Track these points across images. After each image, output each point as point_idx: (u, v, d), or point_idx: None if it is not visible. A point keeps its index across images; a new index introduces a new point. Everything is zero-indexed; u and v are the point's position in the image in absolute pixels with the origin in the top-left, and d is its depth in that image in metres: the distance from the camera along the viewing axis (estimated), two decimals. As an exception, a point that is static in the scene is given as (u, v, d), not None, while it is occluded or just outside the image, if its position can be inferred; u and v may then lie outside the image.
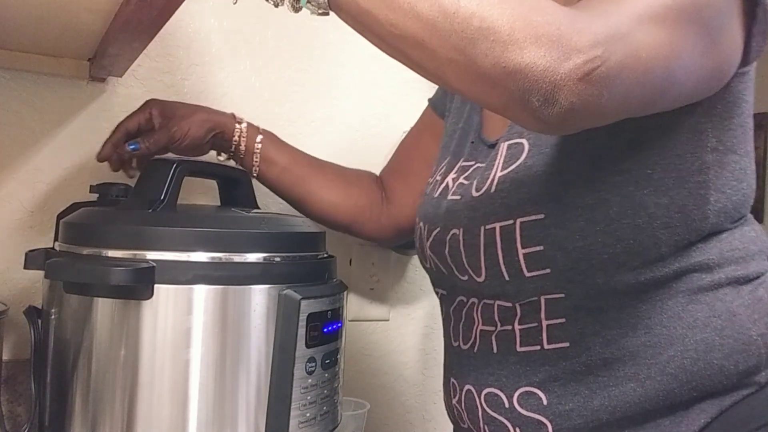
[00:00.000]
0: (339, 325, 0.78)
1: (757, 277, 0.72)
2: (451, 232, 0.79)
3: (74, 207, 0.81)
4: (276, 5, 0.59)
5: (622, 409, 0.69)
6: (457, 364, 0.82)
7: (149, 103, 0.92)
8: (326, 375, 0.75)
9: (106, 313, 0.69)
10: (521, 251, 0.70)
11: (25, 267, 0.76)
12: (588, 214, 0.68)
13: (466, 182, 0.80)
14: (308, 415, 0.73)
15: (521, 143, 0.73)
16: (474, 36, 0.52)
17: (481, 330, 0.78)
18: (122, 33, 0.77)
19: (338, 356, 0.78)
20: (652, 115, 0.63)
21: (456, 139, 0.88)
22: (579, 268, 0.68)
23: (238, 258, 0.70)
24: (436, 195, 0.85)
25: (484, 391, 0.76)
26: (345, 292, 0.80)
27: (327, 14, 0.58)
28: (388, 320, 1.24)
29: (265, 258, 0.72)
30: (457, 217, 0.78)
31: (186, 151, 0.91)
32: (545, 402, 0.72)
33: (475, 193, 0.77)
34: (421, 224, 0.86)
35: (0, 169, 0.97)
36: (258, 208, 0.90)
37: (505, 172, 0.73)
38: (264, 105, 1.13)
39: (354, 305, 1.19)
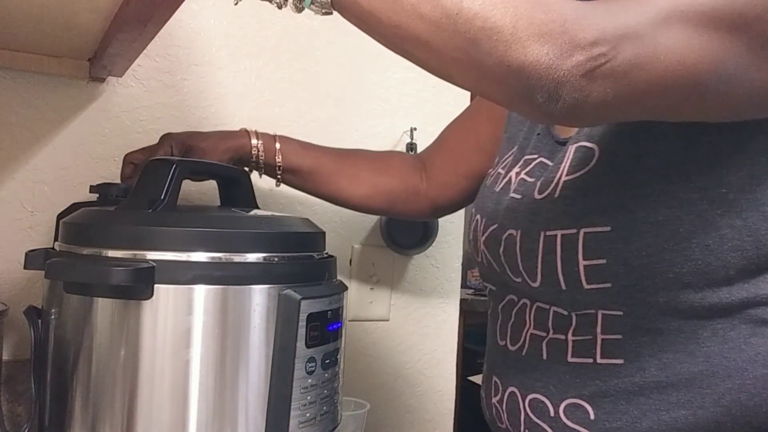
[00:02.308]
0: (339, 325, 0.78)
1: None
2: (508, 232, 0.77)
3: (74, 207, 0.81)
4: (279, 7, 0.59)
5: None
6: (502, 364, 0.80)
7: (167, 139, 0.90)
8: (326, 375, 0.75)
9: (106, 313, 0.69)
10: (582, 263, 0.68)
11: (25, 267, 0.76)
12: (657, 230, 0.65)
13: (528, 179, 0.78)
14: (308, 415, 0.73)
15: (591, 148, 0.71)
16: (477, 36, 0.52)
17: (531, 334, 0.76)
18: (122, 33, 0.77)
19: (338, 356, 0.78)
20: (729, 134, 0.62)
21: (524, 132, 0.85)
22: (641, 285, 0.66)
23: (238, 258, 0.70)
24: (497, 189, 0.83)
25: (530, 396, 0.75)
26: (345, 292, 0.80)
27: (330, 14, 0.58)
28: (388, 320, 1.24)
29: (265, 258, 0.72)
30: (517, 218, 0.76)
31: (203, 179, 0.92)
32: (592, 417, 0.70)
33: (537, 195, 0.74)
34: (478, 217, 0.84)
35: (0, 169, 0.97)
36: (258, 208, 0.90)
37: (571, 177, 0.71)
38: (264, 105, 1.13)
39: (354, 305, 1.19)
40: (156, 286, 0.67)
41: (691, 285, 0.66)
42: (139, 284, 0.66)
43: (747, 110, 0.63)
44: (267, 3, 0.59)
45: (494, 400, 0.81)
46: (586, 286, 0.69)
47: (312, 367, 0.73)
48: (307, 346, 0.72)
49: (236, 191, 0.88)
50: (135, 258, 0.68)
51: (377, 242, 1.22)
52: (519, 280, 0.77)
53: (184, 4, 0.68)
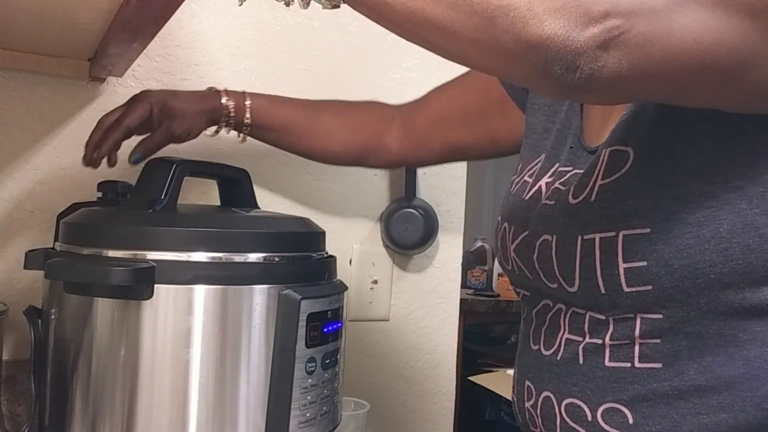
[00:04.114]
0: (339, 325, 0.78)
1: None
2: (542, 238, 0.76)
3: (74, 207, 0.81)
4: (287, 4, 0.59)
5: None
6: (536, 368, 0.79)
7: (146, 97, 0.89)
8: (326, 375, 0.75)
9: (106, 313, 0.69)
10: (622, 265, 0.68)
11: (25, 267, 0.76)
12: (697, 230, 0.65)
13: (562, 188, 0.77)
14: (308, 415, 0.73)
15: (626, 151, 0.70)
16: (494, 14, 0.53)
17: (566, 338, 0.76)
18: (122, 33, 0.77)
19: (338, 356, 0.78)
20: (766, 135, 0.62)
21: (551, 141, 0.85)
22: (683, 286, 0.66)
23: (238, 258, 0.70)
24: (526, 197, 0.82)
25: (566, 401, 0.74)
26: (345, 292, 0.80)
27: (338, 6, 0.58)
28: (388, 320, 1.24)
29: (265, 258, 0.72)
30: (551, 223, 0.75)
31: (181, 141, 0.92)
32: (631, 421, 0.69)
33: (572, 200, 0.74)
34: (506, 225, 0.83)
35: (0, 169, 0.97)
36: (258, 208, 0.90)
37: (607, 180, 0.71)
38: (264, 105, 1.12)
39: (354, 305, 1.19)
40: (156, 286, 0.67)
41: (732, 285, 0.65)
42: (139, 284, 0.66)
43: (766, 101, 0.63)
44: (274, 1, 0.59)
45: (528, 404, 0.80)
46: (627, 289, 0.68)
47: (312, 367, 0.73)
48: (307, 346, 0.72)
49: (236, 191, 0.88)
50: (135, 258, 0.68)
51: (377, 242, 1.22)
52: (555, 285, 0.76)
53: (184, 4, 0.68)
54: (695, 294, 0.66)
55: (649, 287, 0.67)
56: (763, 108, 0.63)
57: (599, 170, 0.72)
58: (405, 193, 1.21)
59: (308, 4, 0.58)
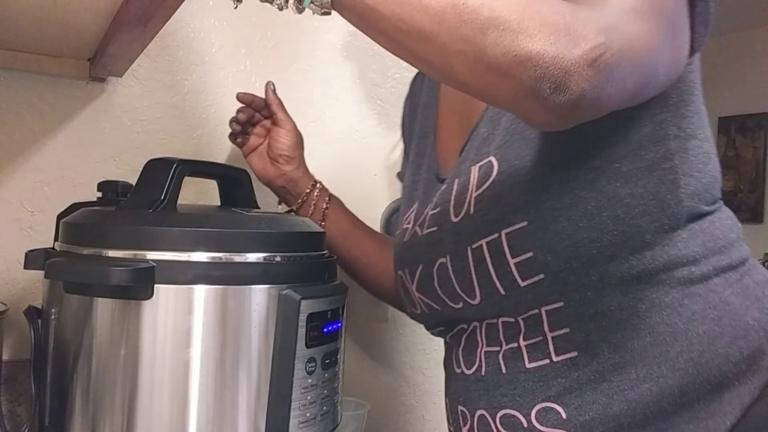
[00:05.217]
0: (339, 325, 0.78)
1: (742, 264, 0.74)
2: (438, 262, 0.79)
3: (74, 207, 0.81)
4: (280, 8, 0.59)
5: (641, 411, 0.69)
6: (464, 390, 0.81)
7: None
8: (326, 375, 0.75)
9: (106, 313, 0.69)
10: (512, 261, 0.71)
11: (25, 267, 0.76)
12: (568, 213, 0.69)
13: (439, 213, 0.80)
14: (308, 415, 0.73)
15: (490, 161, 0.75)
16: (483, 26, 0.52)
17: (485, 351, 0.78)
18: (122, 33, 0.77)
19: (338, 356, 0.78)
20: (609, 113, 0.64)
21: (421, 188, 0.89)
22: (571, 267, 0.69)
23: (238, 258, 0.70)
24: (408, 239, 0.86)
25: (499, 414, 0.75)
26: (345, 292, 0.80)
27: (329, 14, 0.57)
28: (387, 320, 1.24)
29: (265, 258, 0.72)
30: (441, 246, 0.79)
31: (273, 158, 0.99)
32: (564, 416, 0.71)
33: (454, 219, 0.77)
34: (401, 273, 0.87)
35: (0, 169, 0.97)
36: (258, 208, 0.90)
37: (480, 191, 0.74)
38: (264, 105, 1.13)
39: (354, 305, 1.19)
40: (156, 286, 0.67)
41: (615, 256, 0.69)
42: (139, 284, 0.66)
43: (662, 88, 0.68)
44: (267, 4, 0.59)
45: (464, 429, 0.81)
46: (523, 284, 0.71)
47: (312, 367, 0.73)
48: (307, 346, 0.72)
49: (236, 191, 0.88)
50: (135, 258, 0.68)
51: (377, 242, 1.22)
52: (460, 305, 0.78)
53: (184, 4, 0.68)
54: (585, 272, 0.69)
55: (542, 275, 0.70)
56: (666, 87, 0.69)
57: (472, 185, 0.76)
58: (405, 193, 1.21)
59: (302, 10, 0.58)
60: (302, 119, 1.16)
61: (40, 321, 0.74)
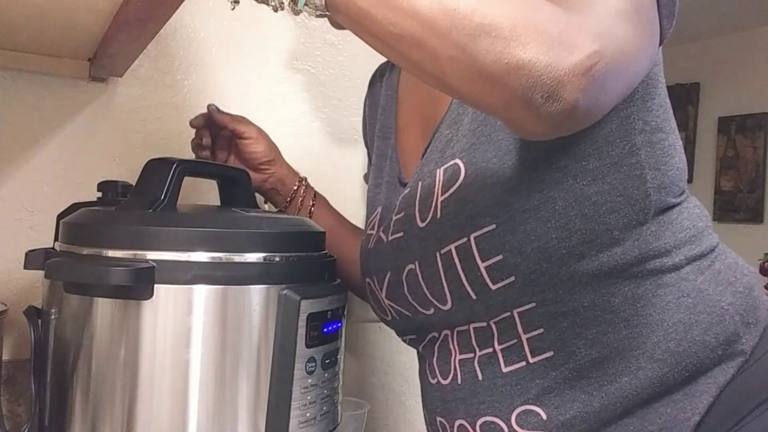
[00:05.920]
0: (339, 325, 0.78)
1: (711, 251, 0.74)
2: (407, 269, 0.78)
3: (74, 207, 0.81)
4: (276, 10, 0.58)
5: (622, 404, 0.69)
6: (441, 401, 0.80)
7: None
8: (326, 375, 0.75)
9: (106, 313, 0.69)
10: (482, 265, 0.70)
11: (25, 267, 0.76)
12: (536, 213, 0.68)
13: (405, 218, 0.80)
14: (308, 415, 0.73)
15: (455, 163, 0.74)
16: (475, 32, 0.51)
17: (460, 360, 0.77)
18: (122, 33, 0.77)
19: (338, 356, 0.78)
20: None
21: (383, 192, 0.89)
22: (541, 269, 0.68)
23: (238, 258, 0.70)
24: (373, 246, 0.85)
25: (479, 422, 0.75)
26: (345, 292, 0.80)
27: (324, 16, 0.57)
28: (388, 320, 1.24)
29: (264, 258, 0.72)
30: (409, 252, 0.78)
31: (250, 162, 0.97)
32: (545, 416, 0.71)
33: (421, 224, 0.76)
34: (369, 280, 0.86)
35: (0, 169, 0.97)
36: (258, 208, 0.90)
37: (447, 195, 0.74)
38: (264, 105, 1.13)
39: (354, 305, 1.19)
40: (156, 286, 0.67)
41: (585, 255, 0.69)
42: (139, 284, 0.66)
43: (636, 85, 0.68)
44: (264, 6, 0.59)
45: None
46: (494, 287, 0.70)
47: (312, 367, 0.73)
48: (307, 346, 0.72)
49: (236, 191, 0.88)
50: (135, 258, 0.68)
51: (377, 242, 1.22)
52: (431, 311, 0.77)
53: (184, 4, 0.68)
54: (555, 272, 0.69)
55: (512, 278, 0.69)
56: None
57: (437, 189, 0.75)
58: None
59: (298, 12, 0.58)
60: (302, 119, 1.16)
61: (40, 321, 0.74)
